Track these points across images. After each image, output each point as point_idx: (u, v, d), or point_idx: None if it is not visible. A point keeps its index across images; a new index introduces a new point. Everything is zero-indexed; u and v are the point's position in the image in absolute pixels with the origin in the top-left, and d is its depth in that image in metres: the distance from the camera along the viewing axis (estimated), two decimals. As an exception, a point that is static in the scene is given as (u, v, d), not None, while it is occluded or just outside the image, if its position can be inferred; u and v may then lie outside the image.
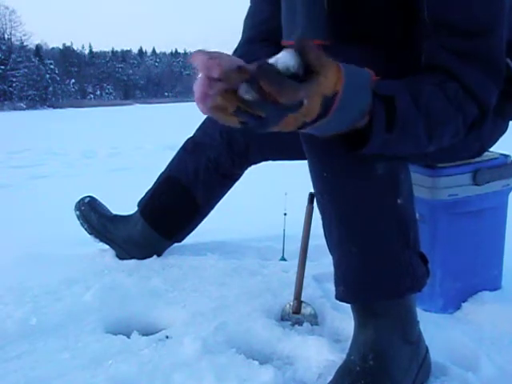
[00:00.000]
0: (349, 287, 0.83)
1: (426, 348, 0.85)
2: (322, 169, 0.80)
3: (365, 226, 0.80)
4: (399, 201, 0.79)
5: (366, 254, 0.80)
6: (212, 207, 1.44)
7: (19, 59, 49.61)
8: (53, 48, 67.76)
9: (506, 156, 1.15)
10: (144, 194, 1.44)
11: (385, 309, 0.82)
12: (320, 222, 0.85)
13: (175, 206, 1.40)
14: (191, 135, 1.41)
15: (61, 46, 69.57)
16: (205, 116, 1.39)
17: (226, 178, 1.40)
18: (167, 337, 1.00)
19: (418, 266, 0.82)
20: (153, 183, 1.44)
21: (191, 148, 1.39)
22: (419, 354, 0.83)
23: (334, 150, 0.77)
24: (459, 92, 0.73)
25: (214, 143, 1.35)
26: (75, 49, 71.92)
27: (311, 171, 0.84)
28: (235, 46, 1.19)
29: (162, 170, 1.43)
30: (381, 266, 0.80)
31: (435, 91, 0.72)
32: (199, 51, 0.67)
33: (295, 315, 1.07)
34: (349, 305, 0.87)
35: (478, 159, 1.10)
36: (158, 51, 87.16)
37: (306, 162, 0.87)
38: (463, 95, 0.73)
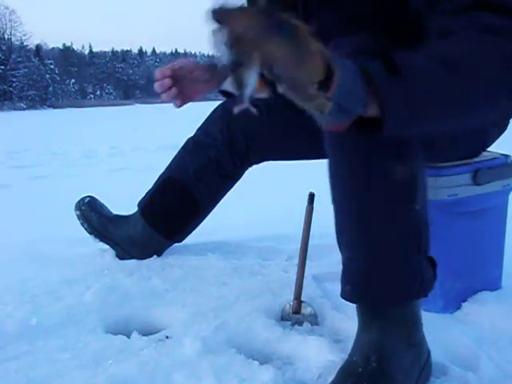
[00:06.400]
0: (356, 287, 0.82)
1: (428, 351, 0.85)
2: (338, 167, 0.79)
3: (378, 231, 0.79)
4: (415, 206, 0.78)
5: (376, 257, 0.79)
6: (212, 207, 1.44)
7: (19, 59, 49.64)
8: (53, 48, 67.85)
9: (507, 156, 1.15)
10: (144, 194, 1.44)
11: (390, 311, 0.81)
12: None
13: (175, 206, 1.39)
14: (191, 135, 1.41)
15: (61, 46, 69.67)
16: (206, 116, 1.41)
17: (227, 178, 1.40)
18: (167, 337, 0.99)
19: (426, 271, 0.82)
20: (153, 183, 1.44)
21: (192, 148, 1.39)
22: (421, 356, 0.83)
23: (354, 149, 0.76)
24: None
25: (214, 143, 1.35)
26: (75, 49, 72.01)
27: (329, 170, 0.82)
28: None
29: (163, 170, 1.43)
30: (390, 269, 0.80)
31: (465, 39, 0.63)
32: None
33: (295, 315, 1.07)
34: (349, 305, 0.86)
35: (478, 159, 1.10)
36: (157, 51, 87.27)
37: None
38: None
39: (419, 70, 0.61)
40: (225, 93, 1.19)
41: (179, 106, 1.10)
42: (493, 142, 1.09)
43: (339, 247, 0.85)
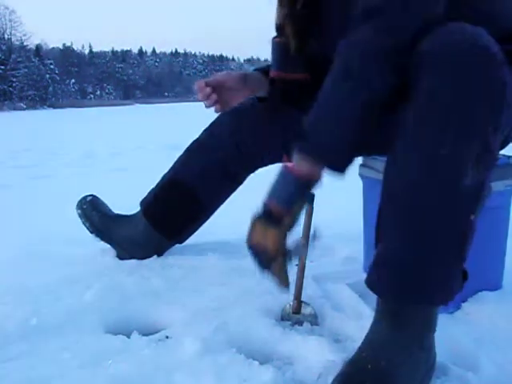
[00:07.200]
0: (383, 278, 0.80)
1: (435, 355, 0.84)
2: (408, 172, 0.77)
3: (423, 233, 0.77)
4: (471, 217, 0.77)
5: (419, 261, 0.77)
6: (216, 209, 1.43)
7: (19, 59, 49.67)
8: (53, 48, 67.89)
9: (509, 157, 1.15)
10: (147, 193, 1.44)
11: (410, 311, 0.80)
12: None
13: (179, 207, 1.39)
14: (196, 137, 1.41)
15: (61, 46, 69.73)
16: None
17: (232, 181, 1.39)
18: (167, 337, 0.99)
19: (457, 282, 0.81)
20: (156, 183, 1.43)
21: (197, 149, 1.38)
22: (428, 360, 0.82)
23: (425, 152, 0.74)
24: None
25: (221, 145, 1.34)
26: (75, 49, 72.07)
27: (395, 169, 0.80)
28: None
29: (163, 170, 1.43)
30: (424, 272, 0.78)
31: None
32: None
33: (295, 315, 1.06)
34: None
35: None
36: (158, 51, 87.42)
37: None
38: None
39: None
40: (261, 99, 1.29)
41: (218, 111, 1.25)
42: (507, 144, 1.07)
43: (376, 236, 0.83)
